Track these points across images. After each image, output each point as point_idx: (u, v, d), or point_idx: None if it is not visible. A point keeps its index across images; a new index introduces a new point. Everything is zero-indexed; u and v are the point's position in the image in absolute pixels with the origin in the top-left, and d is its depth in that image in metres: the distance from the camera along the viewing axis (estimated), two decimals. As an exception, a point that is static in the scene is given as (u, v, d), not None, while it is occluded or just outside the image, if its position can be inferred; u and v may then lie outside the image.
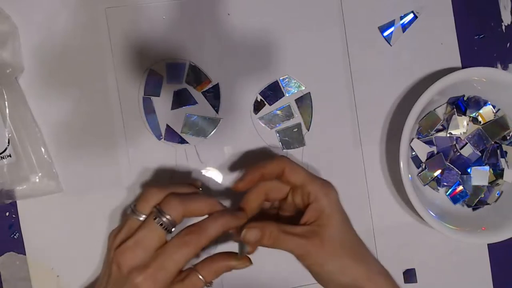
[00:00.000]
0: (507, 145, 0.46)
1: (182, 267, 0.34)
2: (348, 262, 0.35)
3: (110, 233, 0.35)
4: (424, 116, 0.46)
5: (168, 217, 0.33)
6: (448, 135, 0.45)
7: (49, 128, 0.43)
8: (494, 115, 0.45)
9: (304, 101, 0.45)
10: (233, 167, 0.45)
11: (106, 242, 0.43)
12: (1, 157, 0.41)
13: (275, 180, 0.37)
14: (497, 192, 0.46)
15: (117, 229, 0.35)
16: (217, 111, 0.45)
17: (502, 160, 0.46)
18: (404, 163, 0.41)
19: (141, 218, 0.34)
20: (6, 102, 0.41)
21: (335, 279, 0.35)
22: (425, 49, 0.46)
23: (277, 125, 0.45)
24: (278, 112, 0.45)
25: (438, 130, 0.46)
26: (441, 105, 0.46)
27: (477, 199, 0.46)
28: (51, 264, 0.43)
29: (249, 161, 0.45)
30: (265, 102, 0.45)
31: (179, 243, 0.33)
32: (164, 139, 0.44)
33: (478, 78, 0.44)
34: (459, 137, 0.46)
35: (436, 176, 0.46)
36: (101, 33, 0.43)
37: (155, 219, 0.33)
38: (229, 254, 0.36)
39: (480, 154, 0.45)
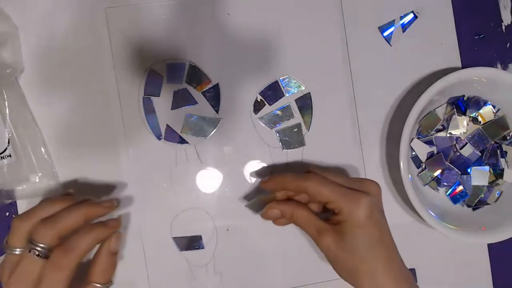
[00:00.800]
0: (507, 145, 0.46)
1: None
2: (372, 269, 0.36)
3: None
4: (424, 116, 0.46)
5: (42, 245, 0.34)
6: (448, 135, 0.45)
7: (49, 128, 0.43)
8: (494, 115, 0.45)
9: (304, 101, 0.45)
10: (233, 167, 0.45)
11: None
12: (1, 157, 0.41)
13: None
14: (497, 192, 0.46)
15: (1, 265, 0.35)
16: (217, 111, 0.45)
17: (502, 160, 0.46)
18: (404, 163, 0.41)
19: (17, 252, 0.34)
20: (6, 102, 0.41)
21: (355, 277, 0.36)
22: (425, 49, 0.46)
23: (277, 125, 0.45)
24: (278, 112, 0.45)
25: (438, 130, 0.46)
26: (441, 105, 0.46)
27: (477, 199, 0.46)
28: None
29: (249, 161, 0.45)
30: (265, 102, 0.45)
31: (52, 269, 0.33)
32: (164, 139, 0.44)
33: (478, 78, 0.44)
34: (459, 137, 0.46)
35: (436, 176, 0.46)
36: (101, 33, 0.43)
37: (30, 251, 0.34)
38: (101, 252, 0.36)
39: (480, 154, 0.45)
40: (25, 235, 0.34)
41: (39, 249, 0.33)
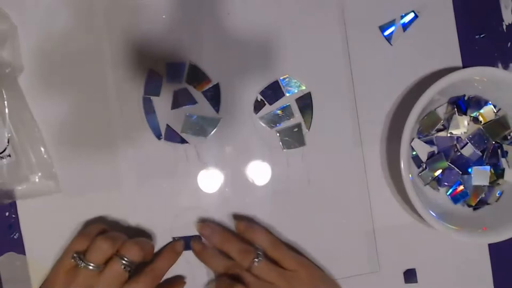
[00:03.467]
0: (508, 144, 0.46)
1: None
2: None
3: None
4: (425, 116, 0.46)
5: (127, 259, 0.38)
6: (448, 134, 0.45)
7: (49, 128, 0.43)
8: (495, 114, 0.45)
9: (304, 100, 0.45)
10: (233, 167, 0.45)
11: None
12: (0, 157, 0.41)
13: None
14: (498, 192, 0.46)
15: (56, 272, 0.39)
16: (217, 111, 0.44)
17: (503, 160, 0.46)
18: (404, 163, 0.41)
19: (91, 267, 0.38)
20: (5, 102, 0.41)
21: None
22: (425, 48, 0.46)
23: (277, 125, 0.45)
24: (279, 112, 0.45)
25: (439, 130, 0.46)
26: (441, 105, 0.46)
27: (478, 199, 0.46)
28: (51, 264, 0.43)
29: (250, 161, 0.45)
30: (265, 102, 0.45)
31: (137, 284, 0.39)
32: (164, 139, 0.44)
33: (479, 78, 0.43)
34: (460, 137, 0.45)
35: (437, 176, 0.46)
36: (100, 33, 0.43)
37: (121, 265, 0.38)
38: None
39: (480, 154, 0.45)
40: (106, 256, 0.38)
41: (125, 262, 0.38)
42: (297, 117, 0.45)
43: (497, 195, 0.46)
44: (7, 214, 0.43)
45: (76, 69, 0.43)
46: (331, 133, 0.46)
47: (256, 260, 0.40)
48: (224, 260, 0.42)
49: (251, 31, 0.45)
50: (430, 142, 0.46)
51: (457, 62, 0.47)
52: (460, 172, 0.45)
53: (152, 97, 0.44)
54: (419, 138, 0.46)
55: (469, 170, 0.46)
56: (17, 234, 0.43)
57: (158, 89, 0.44)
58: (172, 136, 0.44)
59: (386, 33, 0.46)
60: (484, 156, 0.46)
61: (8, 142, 0.41)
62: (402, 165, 0.41)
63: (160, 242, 0.44)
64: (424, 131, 0.46)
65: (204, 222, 0.44)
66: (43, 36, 0.43)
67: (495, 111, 0.45)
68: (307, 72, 0.45)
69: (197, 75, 0.44)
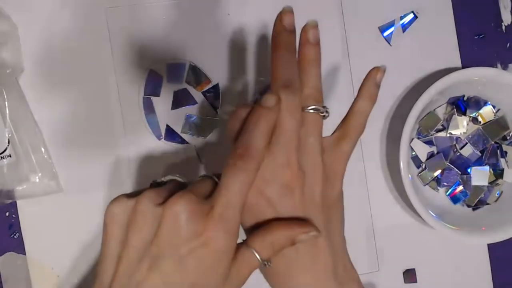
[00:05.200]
0: (507, 145, 0.46)
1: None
2: None
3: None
4: (424, 116, 0.46)
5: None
6: (448, 135, 0.45)
7: (49, 128, 0.43)
8: (494, 115, 0.45)
9: (304, 101, 0.45)
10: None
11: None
12: (1, 157, 0.41)
13: None
14: (497, 192, 0.46)
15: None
16: (217, 111, 0.45)
17: (502, 160, 0.46)
18: (404, 163, 0.41)
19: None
20: (6, 102, 0.41)
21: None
22: (425, 49, 0.46)
23: (277, 125, 0.45)
24: (278, 112, 0.45)
25: (438, 130, 0.46)
26: (441, 105, 0.46)
27: (477, 199, 0.46)
28: (51, 264, 0.43)
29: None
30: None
31: (229, 171, 0.27)
32: (164, 139, 0.44)
33: (478, 78, 0.43)
34: (459, 137, 0.46)
35: (436, 176, 0.46)
36: (101, 33, 0.43)
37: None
38: (289, 223, 0.28)
39: (480, 154, 0.45)
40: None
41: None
42: (297, 118, 0.45)
43: (496, 195, 0.46)
44: (7, 214, 0.43)
45: (77, 69, 0.43)
46: (331, 133, 0.45)
47: (319, 109, 0.30)
48: (294, 68, 0.30)
49: (251, 31, 0.45)
50: (429, 143, 0.46)
51: (456, 62, 0.47)
52: (460, 172, 0.46)
53: (152, 97, 0.44)
54: (418, 138, 0.46)
55: (469, 170, 0.46)
56: (17, 234, 0.43)
57: (158, 89, 0.44)
58: (172, 136, 0.44)
59: (386, 33, 0.46)
60: (484, 157, 0.46)
61: (8, 142, 0.41)
62: (401, 165, 0.41)
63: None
64: (424, 132, 0.46)
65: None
66: (44, 36, 0.43)
67: (494, 112, 0.45)
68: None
69: (197, 76, 0.44)
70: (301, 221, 0.29)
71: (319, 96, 0.30)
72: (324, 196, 0.30)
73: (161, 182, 0.30)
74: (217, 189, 0.27)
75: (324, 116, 0.30)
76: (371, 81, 0.32)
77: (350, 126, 0.32)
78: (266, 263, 0.28)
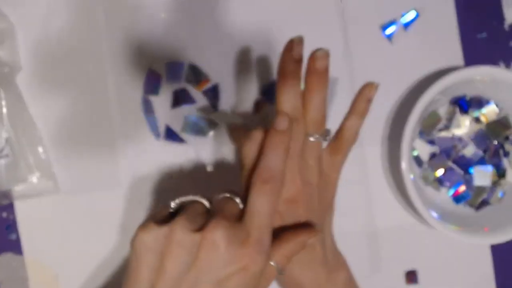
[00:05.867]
0: (510, 144, 0.46)
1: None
2: None
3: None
4: (426, 116, 0.45)
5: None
6: (450, 135, 0.45)
7: (47, 128, 0.43)
8: (497, 114, 0.45)
9: (304, 100, 0.45)
10: (233, 167, 0.44)
11: (103, 243, 0.43)
12: (-2, 157, 0.41)
13: None
14: (500, 192, 0.46)
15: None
16: (216, 111, 0.44)
17: (505, 160, 0.46)
18: (405, 163, 0.41)
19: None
20: (3, 102, 0.41)
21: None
22: (427, 47, 0.46)
23: (278, 124, 0.45)
24: (279, 111, 0.45)
25: (440, 130, 0.46)
26: (443, 105, 0.46)
27: (480, 199, 0.46)
28: (49, 265, 0.43)
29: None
30: (266, 102, 0.45)
31: (259, 194, 0.29)
32: (164, 139, 0.44)
33: (481, 77, 0.43)
34: (462, 137, 0.45)
35: (438, 176, 0.46)
36: (100, 32, 0.43)
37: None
38: (297, 232, 0.32)
39: (482, 154, 0.45)
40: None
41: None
42: (298, 117, 0.45)
43: (499, 195, 0.46)
44: (5, 214, 0.43)
45: (75, 68, 0.43)
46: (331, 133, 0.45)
47: (321, 138, 0.33)
48: (298, 96, 0.32)
49: (251, 31, 0.44)
50: (431, 142, 0.46)
51: (458, 61, 0.47)
52: (462, 172, 0.45)
53: (151, 97, 0.44)
54: (420, 138, 0.46)
55: (471, 170, 0.45)
56: (14, 235, 0.43)
57: (158, 88, 0.44)
58: (172, 136, 0.44)
59: (387, 32, 0.46)
60: (486, 156, 0.45)
61: (6, 142, 0.41)
62: (403, 165, 0.41)
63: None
64: (426, 131, 0.45)
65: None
66: (42, 35, 0.43)
67: (497, 111, 0.45)
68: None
69: (196, 75, 0.44)
70: (305, 226, 0.33)
71: (321, 124, 0.33)
72: (320, 203, 0.34)
73: (182, 203, 0.31)
74: (248, 213, 0.29)
75: (325, 140, 0.34)
76: (363, 97, 0.35)
77: (343, 141, 0.35)
78: (281, 271, 0.31)
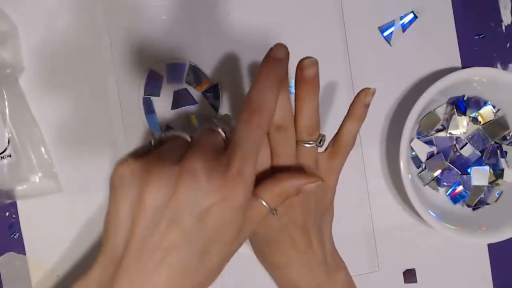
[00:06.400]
0: (507, 145, 0.46)
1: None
2: None
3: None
4: (424, 116, 0.46)
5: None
6: (448, 135, 0.45)
7: (49, 128, 0.43)
8: (494, 115, 0.45)
9: (304, 101, 0.45)
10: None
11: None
12: (1, 157, 0.41)
13: None
14: (497, 192, 0.46)
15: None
16: (217, 111, 0.45)
17: (502, 160, 0.46)
18: (404, 163, 0.41)
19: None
20: (6, 102, 0.41)
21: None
22: (425, 49, 0.46)
23: (277, 125, 0.45)
24: (278, 112, 0.45)
25: (438, 130, 0.46)
26: (441, 105, 0.46)
27: (477, 199, 0.46)
28: (51, 264, 0.43)
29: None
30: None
31: (245, 125, 0.27)
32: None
33: (478, 78, 0.43)
34: (459, 137, 0.46)
35: (436, 176, 0.46)
36: (101, 33, 0.43)
37: None
38: (294, 173, 0.31)
39: (480, 154, 0.45)
40: None
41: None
42: (297, 118, 0.45)
43: (497, 195, 0.46)
44: (7, 214, 0.43)
45: (77, 69, 0.43)
46: (331, 133, 0.45)
47: (315, 144, 0.32)
48: (289, 104, 0.31)
49: (251, 31, 0.45)
50: (429, 143, 0.46)
51: (456, 62, 0.47)
52: (460, 172, 0.46)
53: (152, 97, 0.44)
54: (418, 138, 0.46)
55: (469, 170, 0.46)
56: (17, 234, 0.43)
57: (158, 89, 0.44)
58: (172, 136, 0.44)
59: (386, 33, 0.46)
60: (484, 157, 0.46)
61: (8, 142, 0.41)
62: (401, 165, 0.41)
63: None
64: (424, 132, 0.46)
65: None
66: (44, 36, 0.43)
67: (494, 112, 0.45)
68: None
69: (197, 75, 0.44)
70: (304, 172, 0.31)
71: (313, 130, 0.32)
72: (317, 204, 0.34)
73: (162, 139, 0.29)
74: (232, 144, 0.27)
75: (320, 146, 0.33)
76: (360, 102, 0.34)
77: (341, 145, 0.35)
78: (273, 212, 0.29)
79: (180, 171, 0.25)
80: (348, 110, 0.35)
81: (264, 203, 0.29)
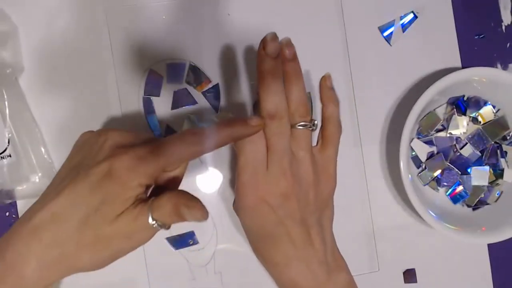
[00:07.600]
0: (507, 145, 0.46)
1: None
2: None
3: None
4: (424, 116, 0.46)
5: None
6: (448, 135, 0.45)
7: (49, 128, 0.43)
8: (494, 115, 0.45)
9: (304, 101, 0.45)
10: (233, 167, 0.45)
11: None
12: (1, 157, 0.41)
13: None
14: (497, 192, 0.46)
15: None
16: (217, 111, 0.45)
17: (502, 160, 0.46)
18: (404, 163, 0.41)
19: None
20: (6, 102, 0.41)
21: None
22: (425, 49, 0.46)
23: (277, 125, 0.45)
24: (278, 112, 0.45)
25: (438, 130, 0.46)
26: (441, 105, 0.46)
27: (477, 199, 0.46)
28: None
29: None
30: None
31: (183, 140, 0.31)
32: (164, 139, 0.44)
33: (478, 78, 0.44)
34: (459, 137, 0.46)
35: (436, 176, 0.46)
36: (101, 33, 0.43)
37: None
38: (184, 196, 0.32)
39: (480, 154, 0.45)
40: None
41: None
42: (297, 118, 0.45)
43: (496, 195, 0.46)
44: (7, 214, 0.43)
45: (77, 69, 0.43)
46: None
47: (307, 124, 0.33)
48: (280, 94, 0.33)
49: (251, 31, 0.45)
50: (429, 143, 0.46)
51: (456, 62, 0.47)
52: (460, 172, 0.46)
53: (152, 97, 0.44)
54: (418, 138, 0.46)
55: (469, 170, 0.46)
56: (17, 234, 0.43)
57: (158, 89, 0.44)
58: (172, 136, 0.44)
59: (386, 33, 0.46)
60: (484, 157, 0.46)
61: (8, 142, 0.41)
62: (401, 165, 0.41)
63: (156, 240, 0.44)
64: (424, 132, 0.46)
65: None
66: (44, 36, 0.43)
67: (494, 112, 0.46)
68: (307, 72, 0.45)
69: (197, 76, 0.44)
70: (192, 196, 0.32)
71: (305, 111, 0.33)
72: (316, 198, 0.34)
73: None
74: (164, 139, 0.32)
75: (312, 129, 0.34)
76: (325, 87, 0.36)
77: (329, 133, 0.36)
78: (159, 225, 0.31)
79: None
80: (320, 99, 0.36)
81: (150, 218, 0.30)
